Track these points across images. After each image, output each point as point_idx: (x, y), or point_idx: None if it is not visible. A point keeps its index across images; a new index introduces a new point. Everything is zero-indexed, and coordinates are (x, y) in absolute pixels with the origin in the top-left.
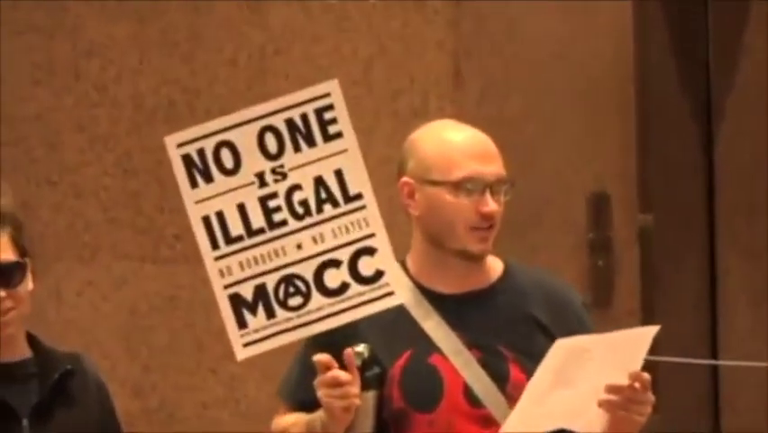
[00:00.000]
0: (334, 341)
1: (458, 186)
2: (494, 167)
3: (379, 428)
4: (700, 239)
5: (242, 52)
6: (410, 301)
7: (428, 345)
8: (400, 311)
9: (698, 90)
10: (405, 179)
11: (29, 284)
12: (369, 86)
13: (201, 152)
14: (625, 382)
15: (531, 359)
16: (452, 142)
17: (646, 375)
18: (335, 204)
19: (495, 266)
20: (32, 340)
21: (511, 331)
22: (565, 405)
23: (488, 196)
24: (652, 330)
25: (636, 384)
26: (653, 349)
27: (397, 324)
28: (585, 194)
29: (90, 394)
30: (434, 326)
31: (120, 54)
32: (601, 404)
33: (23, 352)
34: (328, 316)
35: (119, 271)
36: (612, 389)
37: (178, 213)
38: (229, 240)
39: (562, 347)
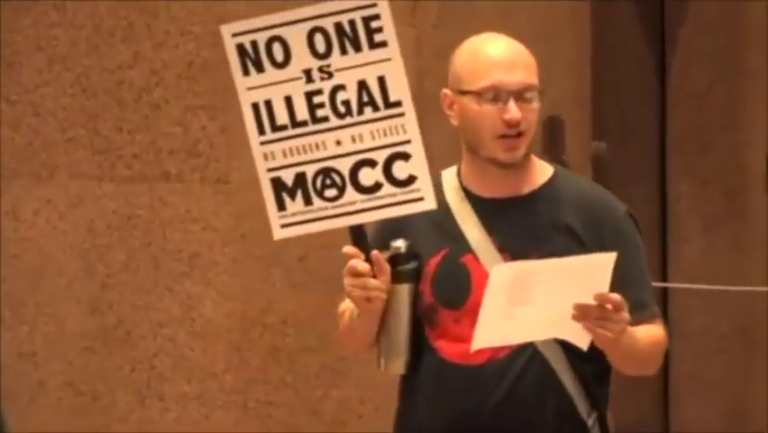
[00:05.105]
0: (386, 233)
1: (482, 94)
2: (519, 75)
3: (416, 322)
4: (652, 165)
5: None
6: (455, 203)
7: (463, 245)
8: (447, 212)
9: (652, 17)
10: (444, 90)
11: None
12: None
13: (254, 44)
14: (591, 303)
15: None
16: (480, 53)
17: (616, 296)
18: (375, 108)
19: (543, 173)
20: None
21: (543, 238)
22: (537, 319)
23: (511, 103)
24: (611, 257)
25: (608, 305)
26: None
27: (442, 223)
28: (540, 117)
29: None
30: (470, 227)
31: None
32: (574, 318)
33: None
34: (360, 210)
35: (76, 189)
36: (580, 308)
37: (137, 133)
38: (275, 127)
39: (502, 272)
